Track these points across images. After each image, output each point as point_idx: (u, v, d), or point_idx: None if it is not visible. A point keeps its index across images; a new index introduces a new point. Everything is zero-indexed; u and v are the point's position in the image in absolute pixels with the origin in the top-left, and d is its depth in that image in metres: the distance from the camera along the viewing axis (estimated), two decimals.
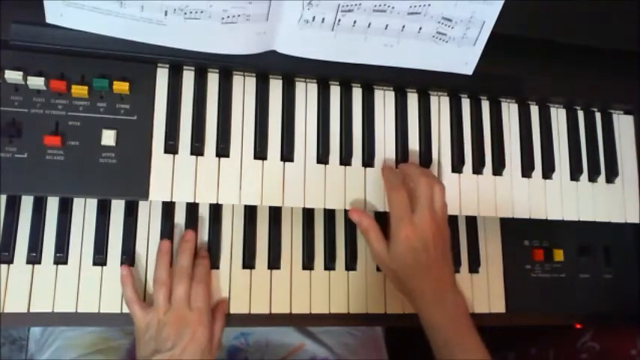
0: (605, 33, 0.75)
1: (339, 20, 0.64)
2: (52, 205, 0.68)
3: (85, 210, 0.69)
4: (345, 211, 0.75)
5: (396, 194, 0.68)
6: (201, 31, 0.63)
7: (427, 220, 0.67)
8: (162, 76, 0.68)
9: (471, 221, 0.80)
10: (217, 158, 0.69)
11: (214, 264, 0.71)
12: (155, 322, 0.64)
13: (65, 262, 0.67)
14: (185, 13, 0.61)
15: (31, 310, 0.65)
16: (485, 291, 0.79)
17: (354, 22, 0.65)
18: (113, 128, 0.65)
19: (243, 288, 0.71)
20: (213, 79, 0.70)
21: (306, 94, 0.73)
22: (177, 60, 0.68)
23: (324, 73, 0.72)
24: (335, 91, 0.74)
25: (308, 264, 0.74)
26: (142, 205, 0.71)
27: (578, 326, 0.95)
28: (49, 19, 0.61)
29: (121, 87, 0.65)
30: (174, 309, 0.64)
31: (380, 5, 0.64)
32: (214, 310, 0.68)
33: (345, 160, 0.73)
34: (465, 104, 0.79)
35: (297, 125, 0.72)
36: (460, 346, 0.66)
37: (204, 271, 0.68)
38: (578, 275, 0.83)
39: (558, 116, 0.82)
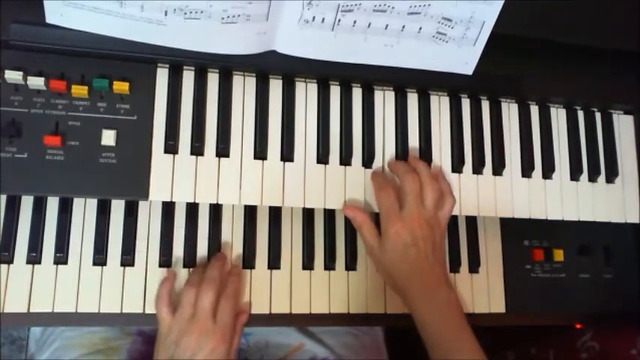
0: (605, 33, 0.75)
1: (339, 20, 0.64)
2: (52, 205, 0.68)
3: (85, 210, 0.69)
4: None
5: (383, 193, 0.69)
6: (201, 31, 0.63)
7: (416, 216, 0.67)
8: (162, 76, 0.68)
9: (471, 221, 0.80)
10: (217, 158, 0.69)
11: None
12: (177, 327, 0.64)
13: (65, 262, 0.67)
14: (185, 13, 0.61)
15: (31, 310, 0.65)
16: (485, 291, 0.79)
17: (354, 22, 0.65)
18: (113, 128, 0.65)
19: (244, 288, 0.71)
20: (213, 79, 0.70)
21: (306, 94, 0.73)
22: (177, 60, 0.68)
23: (324, 73, 0.72)
24: (335, 91, 0.74)
25: (308, 264, 0.74)
26: (142, 205, 0.71)
27: (578, 326, 0.95)
28: (49, 19, 0.61)
29: (121, 87, 0.65)
30: (198, 319, 0.64)
31: (380, 5, 0.64)
32: (235, 322, 0.68)
33: (345, 160, 0.73)
34: (465, 104, 0.79)
35: (297, 125, 0.72)
36: (453, 344, 0.65)
37: (235, 287, 0.68)
38: (578, 275, 0.83)
39: (558, 116, 0.82)
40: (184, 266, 0.71)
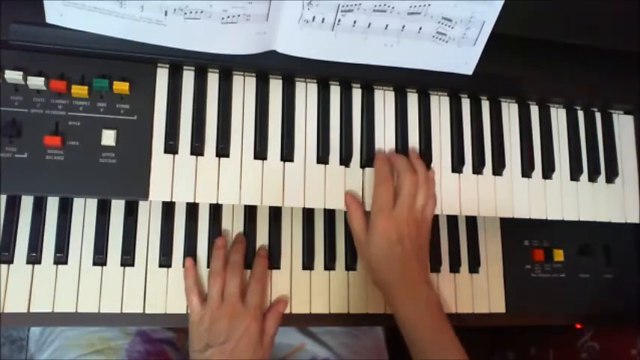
0: (605, 33, 0.75)
1: (339, 20, 0.64)
2: (52, 205, 0.68)
3: (85, 210, 0.69)
4: (346, 212, 0.75)
5: (382, 186, 0.69)
6: (201, 31, 0.63)
7: (405, 215, 0.68)
8: (162, 76, 0.68)
9: (471, 221, 0.80)
10: (217, 158, 0.69)
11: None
12: (208, 315, 0.66)
13: (65, 262, 0.67)
14: (185, 13, 0.61)
15: (31, 310, 0.65)
16: (486, 291, 0.79)
17: (354, 22, 0.65)
18: (113, 128, 0.65)
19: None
20: (213, 79, 0.70)
21: (306, 94, 0.73)
22: (177, 60, 0.68)
23: (324, 73, 0.72)
24: (335, 91, 0.74)
25: (308, 264, 0.74)
26: (142, 205, 0.71)
27: (578, 326, 0.95)
28: (49, 19, 0.61)
29: (121, 87, 0.65)
30: (227, 304, 0.66)
31: (380, 5, 0.64)
32: (270, 307, 0.70)
33: (345, 160, 0.73)
34: (465, 104, 0.79)
35: (297, 125, 0.72)
36: (434, 344, 0.66)
37: (262, 269, 0.70)
38: (578, 275, 0.83)
39: (558, 116, 0.82)
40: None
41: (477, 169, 0.77)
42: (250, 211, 0.73)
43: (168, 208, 0.71)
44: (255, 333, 0.66)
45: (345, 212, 0.75)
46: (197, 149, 0.68)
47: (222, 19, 0.61)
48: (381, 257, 0.68)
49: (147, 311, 0.68)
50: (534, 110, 0.81)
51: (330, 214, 0.76)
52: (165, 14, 0.61)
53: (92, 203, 0.69)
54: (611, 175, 0.81)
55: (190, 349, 0.68)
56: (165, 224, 0.71)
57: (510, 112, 0.80)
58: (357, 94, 0.75)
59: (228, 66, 0.70)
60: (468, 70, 0.72)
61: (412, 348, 0.67)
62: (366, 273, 0.74)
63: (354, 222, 0.71)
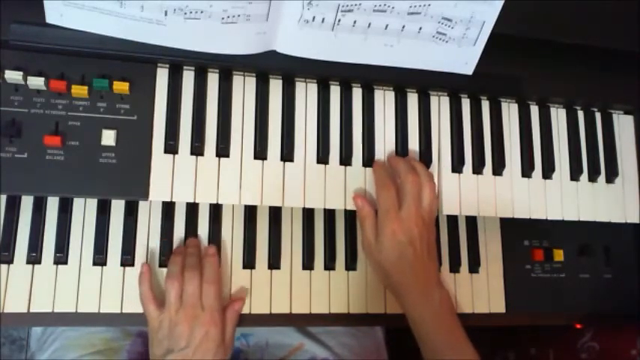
0: (605, 33, 0.75)
1: (339, 20, 0.64)
2: (52, 205, 0.68)
3: (85, 210, 0.69)
4: (346, 211, 0.75)
5: (385, 191, 0.69)
6: (201, 31, 0.63)
7: (413, 216, 0.67)
8: (162, 76, 0.68)
9: (471, 221, 0.80)
10: (217, 158, 0.69)
11: None
12: (167, 321, 0.65)
13: (65, 262, 0.67)
14: (185, 13, 0.61)
15: (31, 310, 0.65)
16: (486, 291, 0.79)
17: (354, 22, 0.65)
18: (113, 128, 0.65)
19: (244, 288, 0.71)
20: (213, 79, 0.70)
21: (306, 94, 0.73)
22: (177, 60, 0.68)
23: (324, 73, 0.72)
24: (335, 91, 0.74)
25: (308, 264, 0.74)
26: (142, 205, 0.71)
27: (578, 326, 0.95)
28: (49, 19, 0.61)
29: (121, 87, 0.65)
30: (186, 308, 0.65)
31: (380, 5, 0.64)
32: (227, 309, 0.69)
33: (345, 160, 0.73)
34: (465, 104, 0.79)
35: (297, 125, 0.72)
36: (446, 342, 0.66)
37: (213, 269, 0.68)
38: (578, 275, 0.83)
39: (558, 116, 0.82)
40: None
41: (477, 169, 0.77)
42: (250, 211, 0.73)
43: (168, 208, 0.71)
44: (215, 336, 0.65)
45: (345, 212, 0.75)
46: (197, 149, 0.68)
47: (222, 19, 0.61)
48: (394, 260, 0.68)
49: None
50: (534, 110, 0.81)
51: (330, 214, 0.76)
52: (165, 14, 0.61)
53: (92, 203, 0.69)
54: (611, 175, 0.81)
55: (151, 355, 0.66)
56: (166, 224, 0.71)
57: (510, 112, 0.80)
58: (357, 94, 0.75)
59: (228, 66, 0.70)
60: (468, 70, 0.72)
61: (424, 348, 0.67)
62: (377, 276, 0.73)
63: (366, 225, 0.70)
